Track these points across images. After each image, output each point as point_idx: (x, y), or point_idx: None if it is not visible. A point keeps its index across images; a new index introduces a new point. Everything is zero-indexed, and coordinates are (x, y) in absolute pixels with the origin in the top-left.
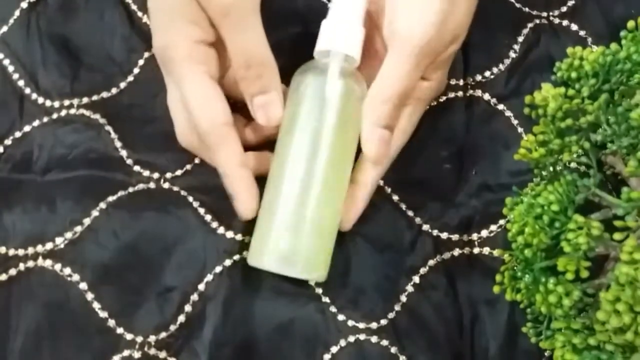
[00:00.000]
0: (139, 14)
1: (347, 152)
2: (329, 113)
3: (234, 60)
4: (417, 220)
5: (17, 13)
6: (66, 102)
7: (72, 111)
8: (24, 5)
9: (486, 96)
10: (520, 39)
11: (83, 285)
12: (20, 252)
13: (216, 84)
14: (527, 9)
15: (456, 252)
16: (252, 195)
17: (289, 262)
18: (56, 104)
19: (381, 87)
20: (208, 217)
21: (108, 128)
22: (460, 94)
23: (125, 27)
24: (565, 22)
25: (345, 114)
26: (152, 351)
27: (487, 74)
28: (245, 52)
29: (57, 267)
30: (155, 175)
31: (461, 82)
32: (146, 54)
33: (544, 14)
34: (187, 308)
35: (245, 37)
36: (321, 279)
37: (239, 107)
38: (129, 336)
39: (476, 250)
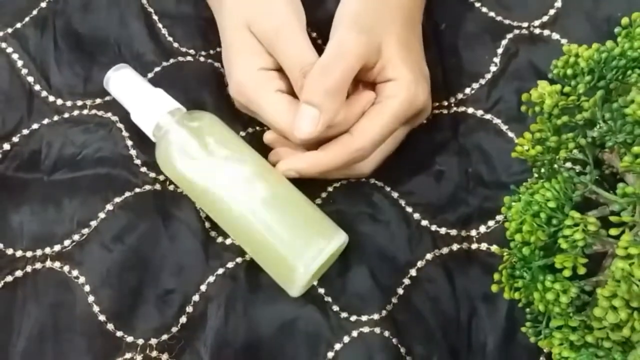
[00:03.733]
0: (159, 25)
1: (254, 160)
2: (212, 153)
3: (292, 75)
4: (416, 216)
5: (34, 12)
6: (79, 103)
7: (85, 112)
8: (44, 4)
9: (470, 110)
10: (500, 50)
11: (87, 287)
12: (28, 253)
13: (287, 95)
14: (507, 21)
15: (454, 247)
16: None
17: (314, 259)
18: (68, 104)
19: (321, 69)
20: (208, 224)
21: (120, 126)
22: (445, 111)
23: (144, 36)
24: (546, 32)
25: (217, 142)
26: (154, 354)
27: (468, 90)
28: (300, 63)
29: (66, 268)
30: (162, 177)
31: (445, 103)
32: (164, 63)
33: (525, 24)
34: (189, 309)
35: (297, 51)
36: (343, 238)
37: None
38: (129, 339)
39: (474, 246)
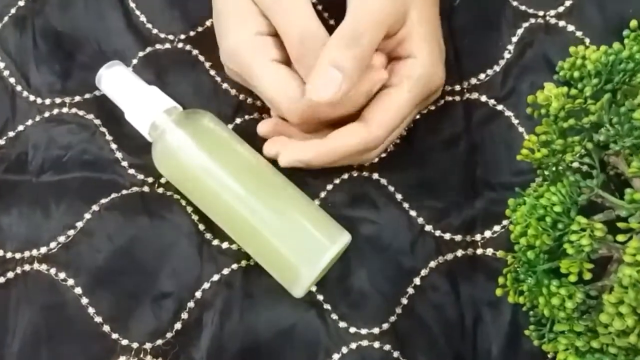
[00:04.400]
0: (137, 12)
1: (254, 160)
2: (210, 153)
3: (289, 42)
4: (420, 220)
5: (12, 11)
6: (57, 100)
7: (65, 110)
8: (21, 3)
9: (483, 98)
10: (515, 39)
11: (78, 290)
12: (17, 255)
13: (284, 65)
14: (523, 7)
15: (459, 253)
16: None
17: (319, 259)
18: (47, 102)
19: (345, 30)
20: (202, 226)
21: (103, 129)
22: (457, 98)
23: (122, 25)
24: (561, 23)
25: (216, 142)
26: (148, 358)
27: (482, 76)
28: (299, 28)
29: (52, 271)
30: (150, 179)
31: (457, 88)
32: (140, 53)
33: (541, 13)
34: (184, 315)
35: (297, 15)
36: (347, 238)
37: None
38: (124, 342)
39: (479, 251)
